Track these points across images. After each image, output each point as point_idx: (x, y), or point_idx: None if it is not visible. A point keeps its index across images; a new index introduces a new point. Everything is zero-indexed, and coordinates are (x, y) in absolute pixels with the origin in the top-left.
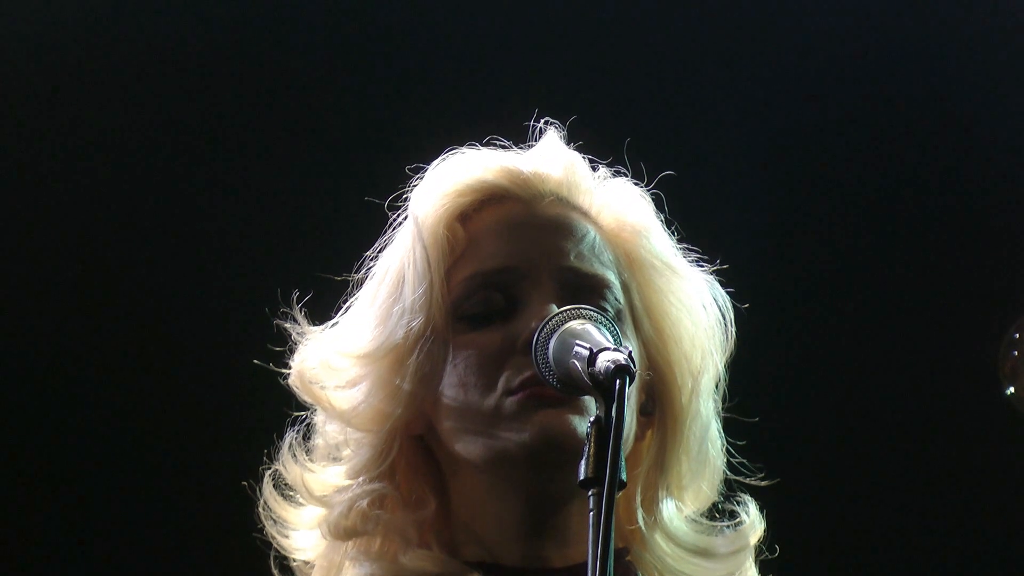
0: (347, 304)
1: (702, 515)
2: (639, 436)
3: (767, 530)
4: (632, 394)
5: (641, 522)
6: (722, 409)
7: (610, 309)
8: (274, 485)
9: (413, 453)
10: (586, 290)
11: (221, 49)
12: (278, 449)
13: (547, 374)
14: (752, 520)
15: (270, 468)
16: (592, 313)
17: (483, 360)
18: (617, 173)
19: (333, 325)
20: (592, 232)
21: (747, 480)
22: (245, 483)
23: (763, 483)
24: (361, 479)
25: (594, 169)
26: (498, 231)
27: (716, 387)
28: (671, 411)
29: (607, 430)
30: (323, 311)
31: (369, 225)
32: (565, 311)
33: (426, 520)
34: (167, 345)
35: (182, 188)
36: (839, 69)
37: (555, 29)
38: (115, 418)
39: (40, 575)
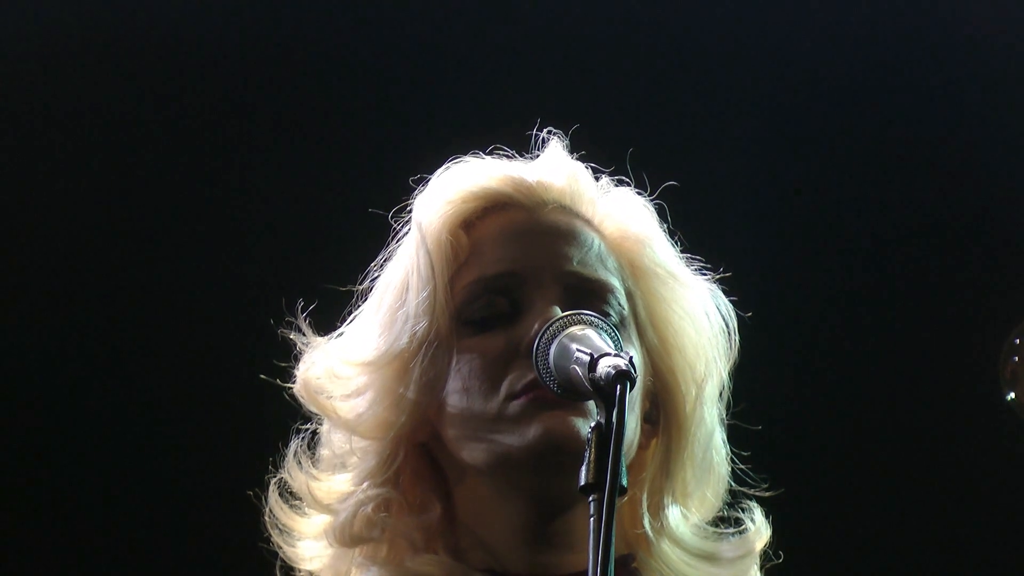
0: (352, 314)
1: (707, 522)
2: (643, 444)
3: (772, 536)
4: (636, 402)
5: (647, 527)
6: (726, 417)
7: (614, 314)
8: (279, 494)
9: (418, 460)
10: (590, 295)
11: (227, 61)
12: (283, 458)
13: (548, 380)
14: (758, 526)
15: (275, 477)
16: (593, 319)
17: (486, 364)
18: (620, 183)
19: (339, 335)
20: (596, 240)
21: (752, 491)
22: (251, 492)
23: (767, 493)
24: (366, 484)
25: (597, 179)
26: (501, 237)
27: (720, 395)
28: (675, 419)
29: (608, 435)
30: (328, 321)
31: (374, 236)
32: (565, 317)
33: (432, 525)
34: (172, 354)
35: (188, 199)
36: (843, 78)
37: (558, 40)
38: (119, 428)
39: None
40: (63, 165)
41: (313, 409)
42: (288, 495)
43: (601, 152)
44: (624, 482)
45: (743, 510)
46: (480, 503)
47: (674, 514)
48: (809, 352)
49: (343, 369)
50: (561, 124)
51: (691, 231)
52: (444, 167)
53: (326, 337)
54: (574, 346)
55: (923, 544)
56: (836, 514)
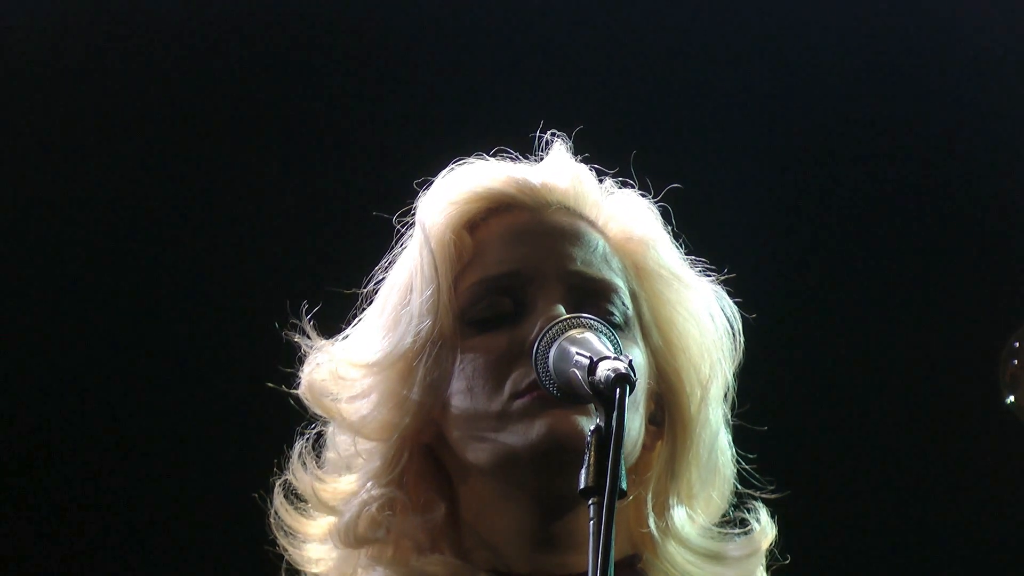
0: (356, 317)
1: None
2: (649, 446)
3: (777, 536)
4: (640, 403)
5: (653, 527)
6: (731, 418)
7: (618, 314)
8: (285, 496)
9: (423, 461)
10: (594, 294)
11: (233, 64)
12: (288, 460)
13: (548, 383)
14: (763, 526)
15: (281, 479)
16: (592, 322)
17: (490, 363)
18: (624, 185)
19: (343, 338)
20: (600, 240)
21: (757, 494)
22: (256, 495)
23: (773, 495)
24: (370, 485)
25: (601, 181)
26: (505, 238)
27: (725, 396)
28: (680, 420)
29: (607, 438)
30: (332, 324)
31: (377, 239)
32: (564, 320)
33: (436, 525)
34: (177, 357)
35: (193, 202)
36: (847, 81)
37: (563, 42)
38: (124, 431)
39: None
40: (67, 168)
41: (318, 411)
42: (293, 497)
43: (605, 154)
44: (624, 485)
45: (748, 510)
46: (484, 503)
47: (680, 515)
48: (813, 353)
49: (347, 371)
50: (565, 126)
51: (695, 233)
52: (448, 169)
53: (330, 339)
54: (573, 349)
55: (925, 544)
56: (840, 514)
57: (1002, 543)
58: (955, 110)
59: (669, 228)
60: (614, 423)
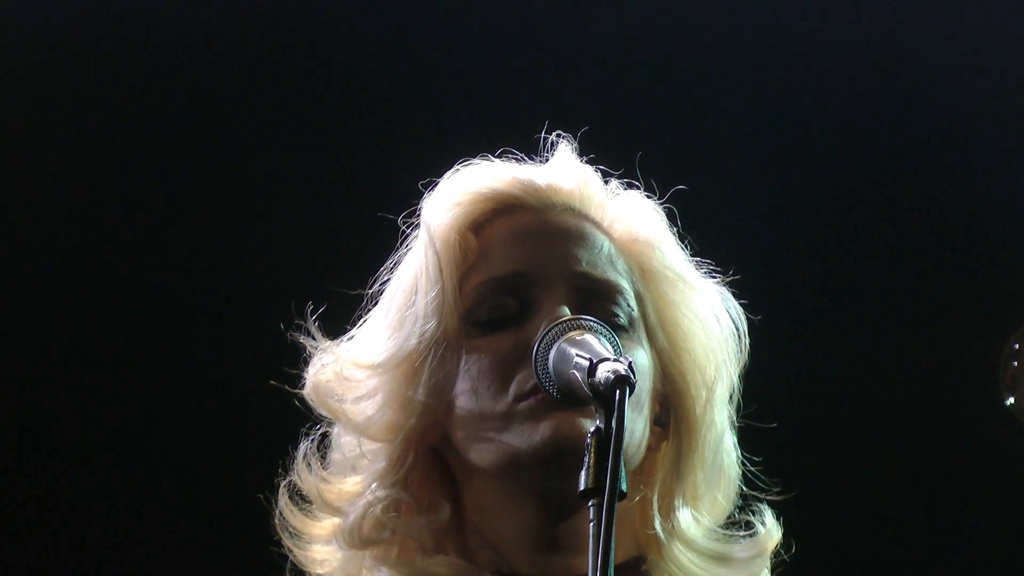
0: (361, 318)
1: (719, 524)
2: (654, 447)
3: (783, 537)
4: (644, 404)
5: (658, 528)
6: (737, 419)
7: (623, 315)
8: (290, 497)
9: (428, 462)
10: (599, 295)
11: (238, 65)
12: (293, 461)
13: (548, 385)
14: (768, 527)
15: (286, 480)
16: (591, 323)
17: (495, 364)
18: (629, 186)
19: (348, 338)
20: (605, 242)
21: (763, 496)
22: (261, 496)
23: (779, 497)
24: (375, 486)
25: (606, 182)
26: (510, 239)
27: (730, 398)
28: (685, 422)
29: (607, 440)
30: (337, 325)
31: (383, 240)
32: (564, 322)
33: (441, 526)
34: (182, 358)
35: (198, 203)
36: (850, 83)
37: (568, 44)
38: (129, 432)
39: None
40: (70, 169)
41: (323, 412)
42: (298, 498)
43: (610, 155)
44: (624, 487)
45: (753, 512)
46: (489, 505)
47: (685, 516)
48: (818, 355)
49: (352, 372)
50: (570, 127)
51: (700, 234)
52: (453, 170)
53: (336, 340)
54: (573, 351)
55: (929, 545)
56: (845, 515)
57: (1006, 543)
58: (960, 113)
59: (674, 229)
60: (614, 425)
